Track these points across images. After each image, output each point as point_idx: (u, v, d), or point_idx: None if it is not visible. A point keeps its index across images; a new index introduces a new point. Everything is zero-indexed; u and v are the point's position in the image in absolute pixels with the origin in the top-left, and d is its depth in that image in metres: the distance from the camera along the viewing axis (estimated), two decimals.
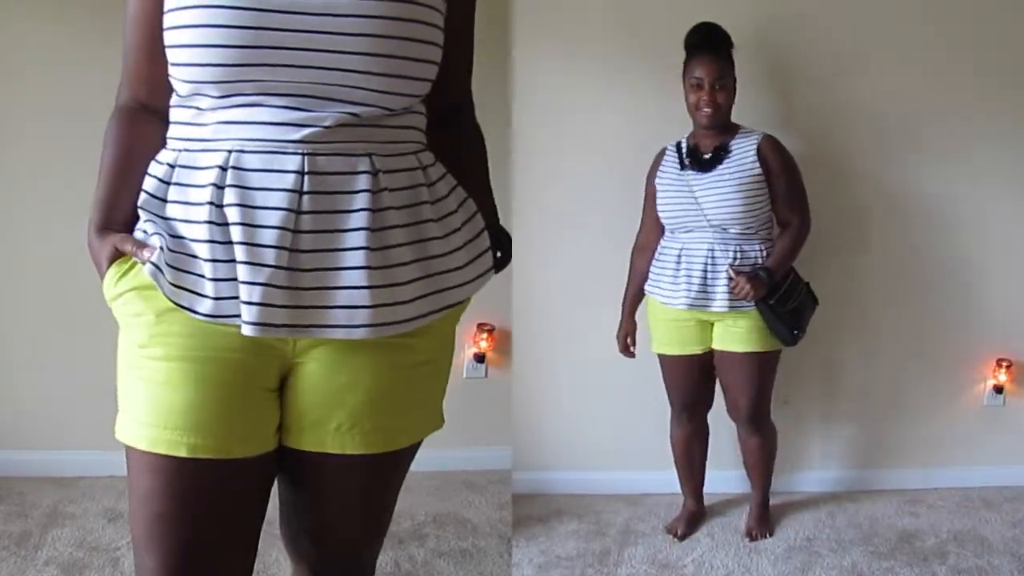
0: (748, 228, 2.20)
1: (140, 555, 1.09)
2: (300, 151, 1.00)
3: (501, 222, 1.27)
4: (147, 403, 1.05)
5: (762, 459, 2.41)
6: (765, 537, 2.43)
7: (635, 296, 2.41)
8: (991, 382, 2.70)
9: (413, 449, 1.21)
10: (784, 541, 2.42)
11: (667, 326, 2.32)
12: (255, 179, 1.00)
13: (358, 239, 1.02)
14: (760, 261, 2.21)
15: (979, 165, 2.59)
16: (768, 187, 2.21)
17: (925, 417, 2.73)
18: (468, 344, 2.69)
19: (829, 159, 2.53)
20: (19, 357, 2.60)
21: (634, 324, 2.41)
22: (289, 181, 1.00)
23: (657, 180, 2.29)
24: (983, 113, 2.56)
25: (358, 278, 1.02)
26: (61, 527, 2.33)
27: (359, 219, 1.02)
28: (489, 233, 1.19)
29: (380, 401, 1.12)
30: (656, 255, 2.32)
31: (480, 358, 2.69)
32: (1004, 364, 2.66)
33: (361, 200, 1.02)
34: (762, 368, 2.28)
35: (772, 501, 2.51)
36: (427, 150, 1.14)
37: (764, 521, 2.46)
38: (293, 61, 0.99)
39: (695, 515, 2.49)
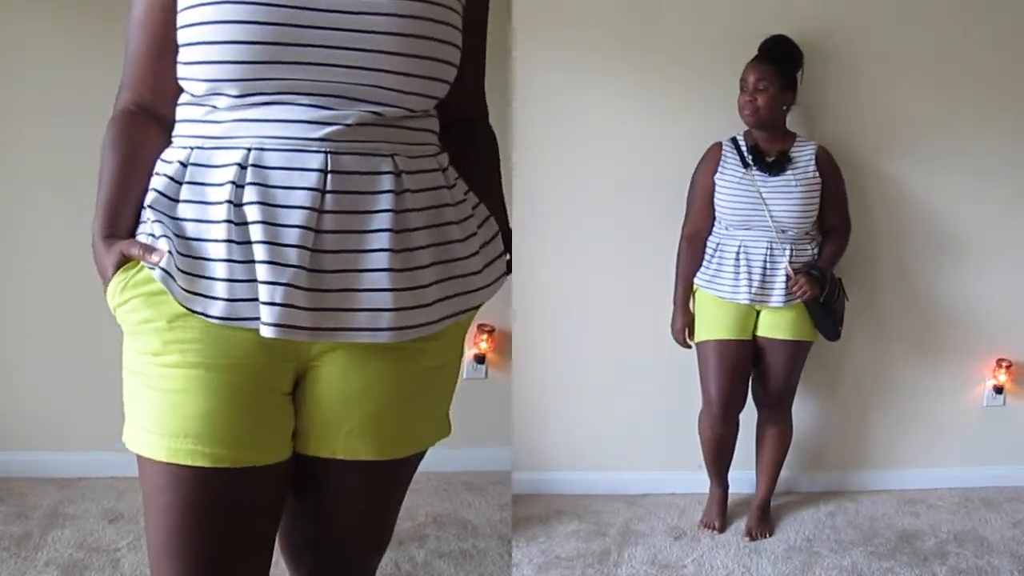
0: (803, 229, 2.31)
1: (159, 568, 1.06)
2: (323, 149, 0.98)
3: None
4: (163, 412, 1.01)
5: (777, 448, 2.45)
6: (765, 537, 2.44)
7: (688, 286, 2.41)
8: (991, 382, 2.70)
9: (419, 457, 1.19)
10: (784, 541, 2.43)
11: (722, 312, 2.33)
12: (277, 177, 0.98)
13: (381, 240, 1.00)
14: (813, 260, 2.32)
15: (979, 165, 2.58)
16: (821, 194, 2.32)
17: (925, 417, 2.73)
18: (468, 345, 2.68)
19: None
20: (19, 357, 2.59)
21: (691, 314, 2.41)
22: (312, 180, 0.97)
23: (719, 176, 2.32)
24: (985, 112, 2.55)
25: (381, 280, 1.00)
26: (61, 528, 2.32)
27: (382, 220, 1.00)
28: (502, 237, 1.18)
29: (392, 407, 1.10)
30: (712, 252, 2.35)
31: (480, 359, 2.69)
32: (1004, 364, 2.66)
33: (384, 201, 1.00)
34: (799, 356, 2.39)
35: (772, 501, 2.52)
36: (443, 153, 1.12)
37: (764, 521, 2.47)
38: (318, 59, 0.97)
39: (724, 501, 2.51)
